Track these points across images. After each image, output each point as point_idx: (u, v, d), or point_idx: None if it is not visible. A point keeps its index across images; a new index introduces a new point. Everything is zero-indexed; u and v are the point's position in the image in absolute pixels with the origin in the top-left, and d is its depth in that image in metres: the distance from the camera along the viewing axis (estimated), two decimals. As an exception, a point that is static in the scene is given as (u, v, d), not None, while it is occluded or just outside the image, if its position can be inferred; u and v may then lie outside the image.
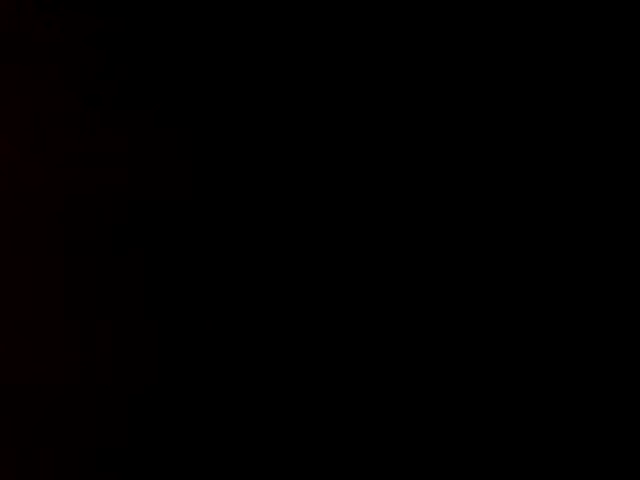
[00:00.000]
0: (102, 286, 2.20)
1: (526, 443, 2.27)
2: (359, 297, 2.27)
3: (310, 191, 2.28)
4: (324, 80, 2.29)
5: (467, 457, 2.26)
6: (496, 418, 2.27)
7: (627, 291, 2.28)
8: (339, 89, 2.29)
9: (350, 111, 2.29)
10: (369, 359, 2.27)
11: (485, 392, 2.27)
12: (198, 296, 2.24)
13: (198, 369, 2.23)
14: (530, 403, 2.27)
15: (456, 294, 2.28)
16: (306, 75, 2.29)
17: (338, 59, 2.29)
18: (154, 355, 2.21)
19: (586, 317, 2.28)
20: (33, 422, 2.17)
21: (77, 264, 2.19)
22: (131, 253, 2.22)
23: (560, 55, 2.31)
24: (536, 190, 2.30)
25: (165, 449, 2.21)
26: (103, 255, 2.20)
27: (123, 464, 2.19)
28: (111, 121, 2.22)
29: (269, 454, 2.24)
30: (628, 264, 2.29)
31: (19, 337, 2.16)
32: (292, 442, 2.25)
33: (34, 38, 2.20)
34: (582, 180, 2.30)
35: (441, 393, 2.27)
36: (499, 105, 2.31)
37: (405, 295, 2.28)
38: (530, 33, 2.31)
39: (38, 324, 2.17)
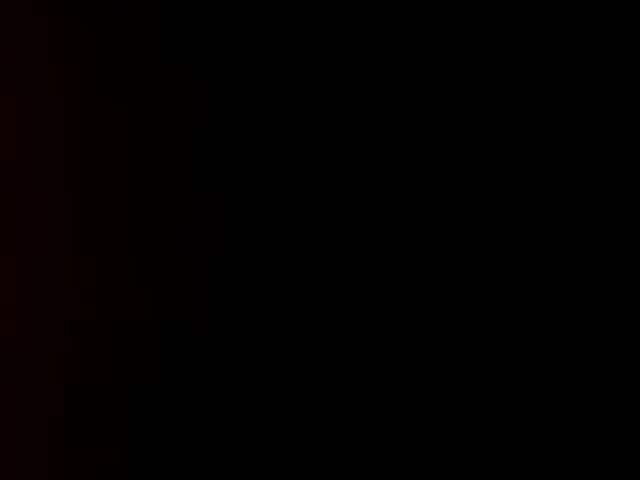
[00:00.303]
0: (103, 286, 2.20)
1: (526, 443, 2.28)
2: (359, 297, 2.28)
3: (310, 191, 2.28)
4: (324, 80, 2.29)
5: (467, 457, 2.27)
6: (496, 418, 2.28)
7: (627, 291, 2.29)
8: (339, 89, 2.29)
9: (350, 111, 2.29)
10: (369, 359, 2.28)
11: (485, 392, 2.28)
12: (198, 296, 2.24)
13: (200, 369, 2.23)
14: (530, 403, 2.28)
15: (456, 294, 2.29)
16: (306, 75, 2.29)
17: (338, 59, 2.29)
18: (155, 355, 2.21)
19: (586, 317, 2.29)
20: (33, 421, 2.17)
21: (77, 263, 2.19)
22: (131, 252, 2.22)
23: (560, 55, 2.32)
24: (536, 190, 2.30)
25: (165, 449, 2.21)
26: (103, 255, 2.21)
27: (123, 464, 2.20)
28: (111, 121, 2.22)
29: (270, 454, 2.24)
30: (628, 264, 2.29)
31: (19, 337, 2.17)
32: (292, 442, 2.25)
33: (34, 38, 2.20)
34: (582, 180, 2.31)
35: (441, 393, 2.28)
36: (499, 105, 2.31)
37: (405, 295, 2.29)
38: (530, 33, 2.32)
39: (38, 324, 2.17)
